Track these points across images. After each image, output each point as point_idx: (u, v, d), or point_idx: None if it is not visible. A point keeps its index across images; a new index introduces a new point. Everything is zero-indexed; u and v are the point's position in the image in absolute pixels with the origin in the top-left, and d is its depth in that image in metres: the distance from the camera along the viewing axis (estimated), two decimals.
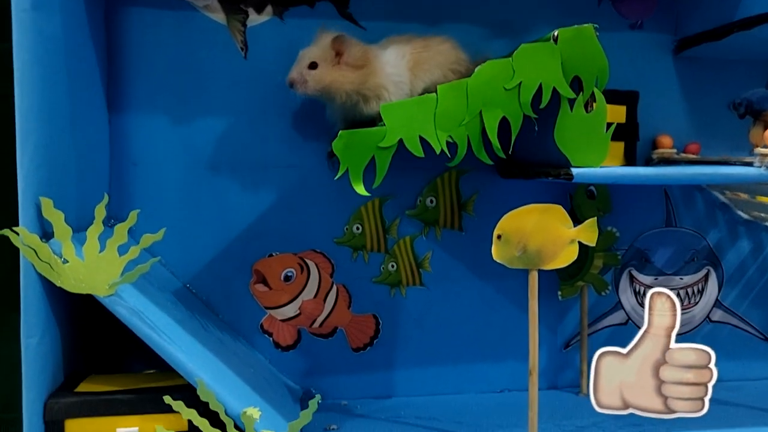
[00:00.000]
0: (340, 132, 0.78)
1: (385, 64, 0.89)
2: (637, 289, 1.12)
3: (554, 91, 0.83)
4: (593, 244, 0.83)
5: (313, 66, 0.88)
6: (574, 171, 0.83)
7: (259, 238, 1.01)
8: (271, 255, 1.02)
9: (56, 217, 0.74)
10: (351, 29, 1.01)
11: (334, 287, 1.04)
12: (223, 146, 1.00)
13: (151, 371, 0.90)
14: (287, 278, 1.02)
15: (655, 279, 1.12)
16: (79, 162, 0.85)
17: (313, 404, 0.76)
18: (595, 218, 0.83)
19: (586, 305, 1.06)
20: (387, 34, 1.00)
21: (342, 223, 1.03)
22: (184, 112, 0.99)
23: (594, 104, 0.85)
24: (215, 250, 1.01)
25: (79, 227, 0.80)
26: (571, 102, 0.84)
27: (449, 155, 0.81)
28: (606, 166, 0.86)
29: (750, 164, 0.89)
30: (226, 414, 0.75)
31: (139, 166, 0.99)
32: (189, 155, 1.00)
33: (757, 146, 0.91)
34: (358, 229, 1.04)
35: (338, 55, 0.87)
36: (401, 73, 0.90)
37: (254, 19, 1.00)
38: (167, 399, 0.75)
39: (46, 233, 0.76)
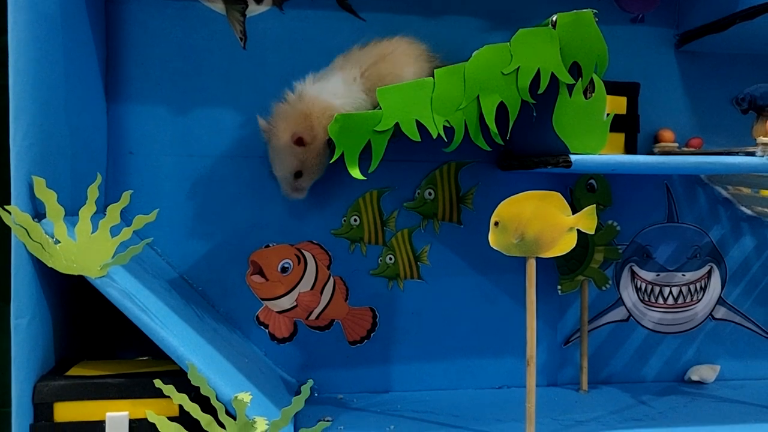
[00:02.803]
0: (336, 115, 0.77)
1: (327, 108, 0.87)
2: (639, 285, 1.11)
3: (553, 77, 0.82)
4: (592, 232, 0.82)
5: (298, 175, 0.91)
6: (573, 158, 0.82)
7: (256, 228, 1.01)
8: (267, 246, 1.01)
9: (48, 197, 0.73)
10: (350, 21, 1.01)
11: (331, 279, 1.03)
12: (221, 136, 1.00)
13: (145, 358, 0.89)
14: (284, 269, 1.01)
15: (657, 275, 1.11)
16: (75, 146, 0.84)
17: (305, 390, 0.74)
18: (594, 205, 0.82)
19: (586, 300, 1.05)
20: (387, 26, 1.00)
21: (340, 214, 1.03)
22: (182, 101, 0.99)
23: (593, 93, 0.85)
24: (212, 240, 1.00)
25: (73, 212, 0.79)
26: (570, 88, 0.83)
27: (446, 140, 0.80)
28: (605, 154, 0.85)
29: (752, 154, 0.88)
30: (218, 399, 0.74)
31: (135, 155, 0.98)
32: (186, 145, 0.99)
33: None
34: (355, 220, 1.03)
35: (302, 144, 0.88)
36: (354, 98, 0.88)
37: (253, 9, 0.99)
38: (158, 383, 0.74)
39: (39, 214, 0.76)
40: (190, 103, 0.99)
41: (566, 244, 0.82)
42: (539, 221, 0.81)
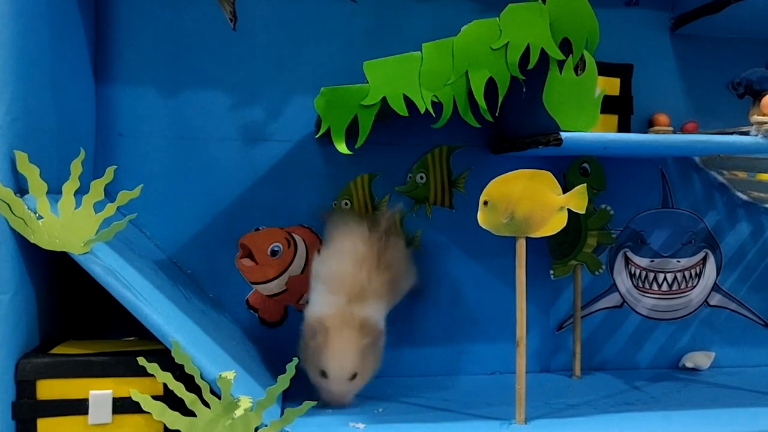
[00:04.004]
0: (322, 89, 0.77)
1: (347, 321, 0.87)
2: (633, 272, 1.10)
3: (543, 53, 0.81)
4: (583, 212, 0.81)
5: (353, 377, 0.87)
6: (564, 135, 0.81)
7: (246, 211, 1.00)
8: (257, 229, 1.00)
9: (31, 172, 0.72)
10: (341, 2, 1.00)
11: None
12: (211, 118, 0.99)
13: (131, 338, 0.88)
14: (274, 253, 1.00)
15: (651, 261, 1.10)
16: (61, 124, 0.84)
17: (290, 368, 0.74)
18: (585, 185, 0.81)
19: (579, 285, 1.04)
20: (377, 9, 1.00)
21: (330, 198, 1.02)
22: (172, 83, 0.98)
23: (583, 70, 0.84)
24: (201, 223, 0.99)
25: (59, 191, 0.79)
26: (561, 64, 0.82)
27: (434, 116, 0.79)
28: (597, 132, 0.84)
29: (747, 134, 0.87)
30: (202, 378, 0.73)
31: (125, 137, 0.97)
32: (176, 127, 0.98)
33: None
34: (346, 204, 1.02)
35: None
36: (327, 300, 0.89)
37: None
38: (141, 361, 0.73)
39: (21, 189, 0.75)
40: (179, 85, 0.98)
41: (556, 223, 0.81)
42: (529, 200, 0.80)
